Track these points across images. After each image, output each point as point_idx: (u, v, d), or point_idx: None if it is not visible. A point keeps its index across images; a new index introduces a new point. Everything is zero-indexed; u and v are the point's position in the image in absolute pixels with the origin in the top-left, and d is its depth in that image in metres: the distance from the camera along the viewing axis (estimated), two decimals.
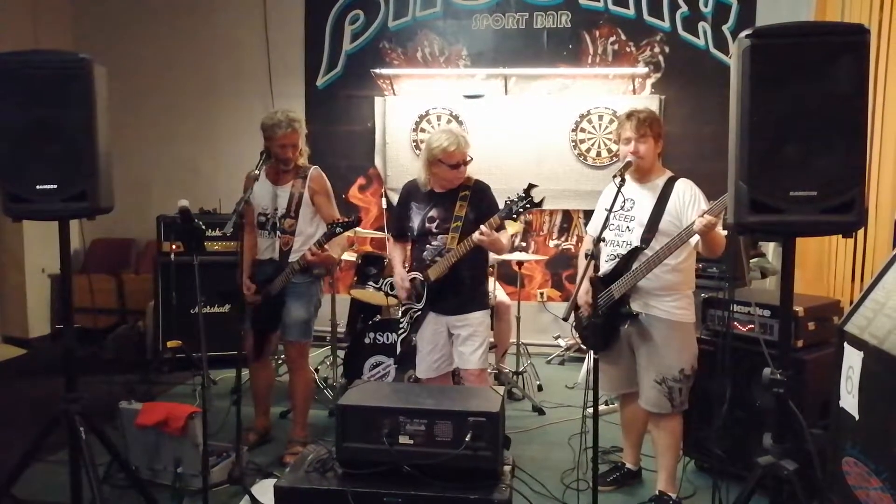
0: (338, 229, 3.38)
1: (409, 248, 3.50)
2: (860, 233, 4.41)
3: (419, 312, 3.35)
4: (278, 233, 3.58)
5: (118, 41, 6.25)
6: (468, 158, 3.24)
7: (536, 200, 2.95)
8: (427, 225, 3.30)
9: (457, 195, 3.26)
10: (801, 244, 2.31)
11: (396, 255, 3.51)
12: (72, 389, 2.71)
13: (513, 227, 4.77)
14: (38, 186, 2.50)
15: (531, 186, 2.98)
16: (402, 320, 3.44)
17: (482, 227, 3.04)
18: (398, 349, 3.65)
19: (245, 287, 3.59)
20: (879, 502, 1.96)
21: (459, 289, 3.27)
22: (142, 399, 3.71)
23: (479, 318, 3.32)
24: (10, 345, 5.92)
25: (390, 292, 3.57)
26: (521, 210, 2.97)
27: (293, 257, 3.54)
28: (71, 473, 2.69)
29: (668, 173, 3.06)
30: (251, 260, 3.65)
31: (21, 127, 2.49)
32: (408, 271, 3.40)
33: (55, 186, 2.50)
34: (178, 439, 3.18)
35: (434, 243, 3.28)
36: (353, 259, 4.73)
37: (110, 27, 6.36)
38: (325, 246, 3.45)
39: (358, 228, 4.95)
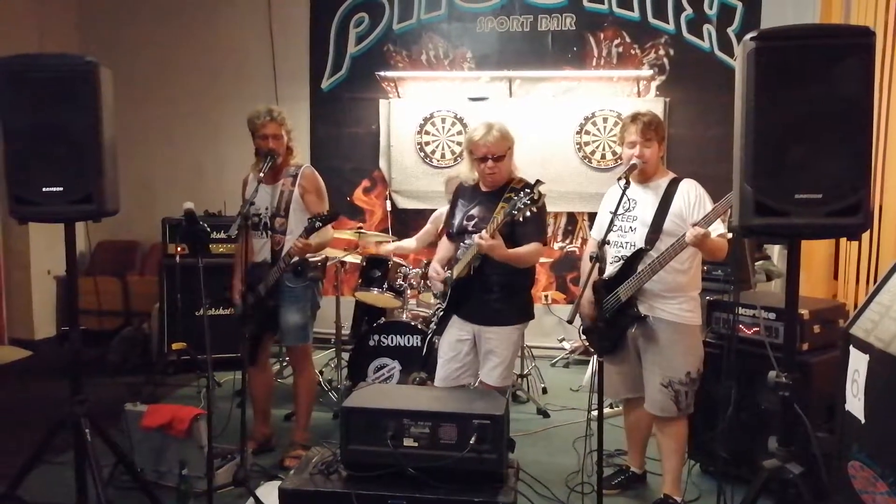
0: (317, 223, 3.32)
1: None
2: (866, 236, 4.39)
3: (443, 313, 3.25)
4: (269, 232, 3.57)
5: (123, 44, 6.28)
6: (499, 155, 3.06)
7: (536, 197, 2.81)
8: (465, 223, 3.18)
9: (501, 195, 3.06)
10: (807, 247, 2.31)
11: (441, 250, 3.40)
12: (77, 391, 2.72)
13: None
14: (44, 189, 2.51)
15: (538, 183, 2.88)
16: (432, 320, 3.37)
17: (483, 231, 2.93)
18: (424, 350, 3.59)
19: (236, 294, 3.61)
20: None
21: (486, 296, 3.10)
22: (147, 401, 3.72)
23: (505, 333, 3.12)
24: (15, 346, 5.94)
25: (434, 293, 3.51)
26: (522, 207, 2.82)
27: (282, 257, 3.52)
28: (76, 475, 2.70)
29: (671, 174, 3.05)
30: (244, 264, 3.54)
31: (27, 130, 2.50)
32: (447, 270, 3.32)
33: (61, 189, 2.51)
34: (182, 441, 3.18)
35: (467, 242, 3.15)
36: (358, 262, 4.73)
37: (115, 30, 6.38)
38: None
39: (363, 231, 4.99)
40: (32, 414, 4.01)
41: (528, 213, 2.86)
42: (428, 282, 3.39)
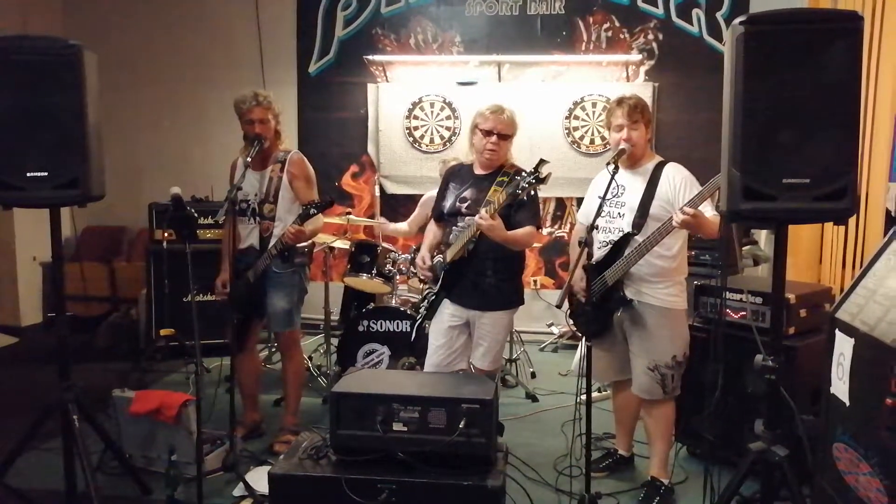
0: (312, 210, 3.32)
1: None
2: (852, 220, 4.41)
3: (434, 297, 3.23)
4: (257, 219, 3.55)
5: (109, 28, 6.20)
6: (506, 134, 3.10)
7: (542, 176, 2.79)
8: (458, 204, 3.16)
9: (493, 179, 3.09)
10: (794, 231, 2.33)
11: (430, 236, 3.36)
12: (65, 378, 2.71)
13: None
14: (28, 174, 2.49)
15: (542, 162, 2.83)
16: (421, 305, 3.35)
17: (483, 210, 2.91)
18: (412, 336, 3.56)
19: (220, 284, 3.62)
20: (868, 487, 1.98)
21: (480, 281, 3.10)
22: (135, 387, 3.70)
23: (496, 318, 3.14)
24: (1, 333, 5.90)
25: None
26: (526, 186, 2.79)
27: (273, 243, 3.49)
28: (65, 461, 2.70)
29: (658, 158, 3.05)
30: (232, 251, 3.51)
31: (11, 114, 2.47)
32: (437, 254, 3.28)
33: (46, 174, 2.49)
34: (171, 427, 3.18)
35: (460, 224, 3.13)
36: (347, 247, 4.72)
37: (101, 14, 6.29)
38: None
39: (351, 216, 4.97)
40: (20, 400, 3.99)
41: (532, 192, 2.86)
42: (413, 269, 3.37)
